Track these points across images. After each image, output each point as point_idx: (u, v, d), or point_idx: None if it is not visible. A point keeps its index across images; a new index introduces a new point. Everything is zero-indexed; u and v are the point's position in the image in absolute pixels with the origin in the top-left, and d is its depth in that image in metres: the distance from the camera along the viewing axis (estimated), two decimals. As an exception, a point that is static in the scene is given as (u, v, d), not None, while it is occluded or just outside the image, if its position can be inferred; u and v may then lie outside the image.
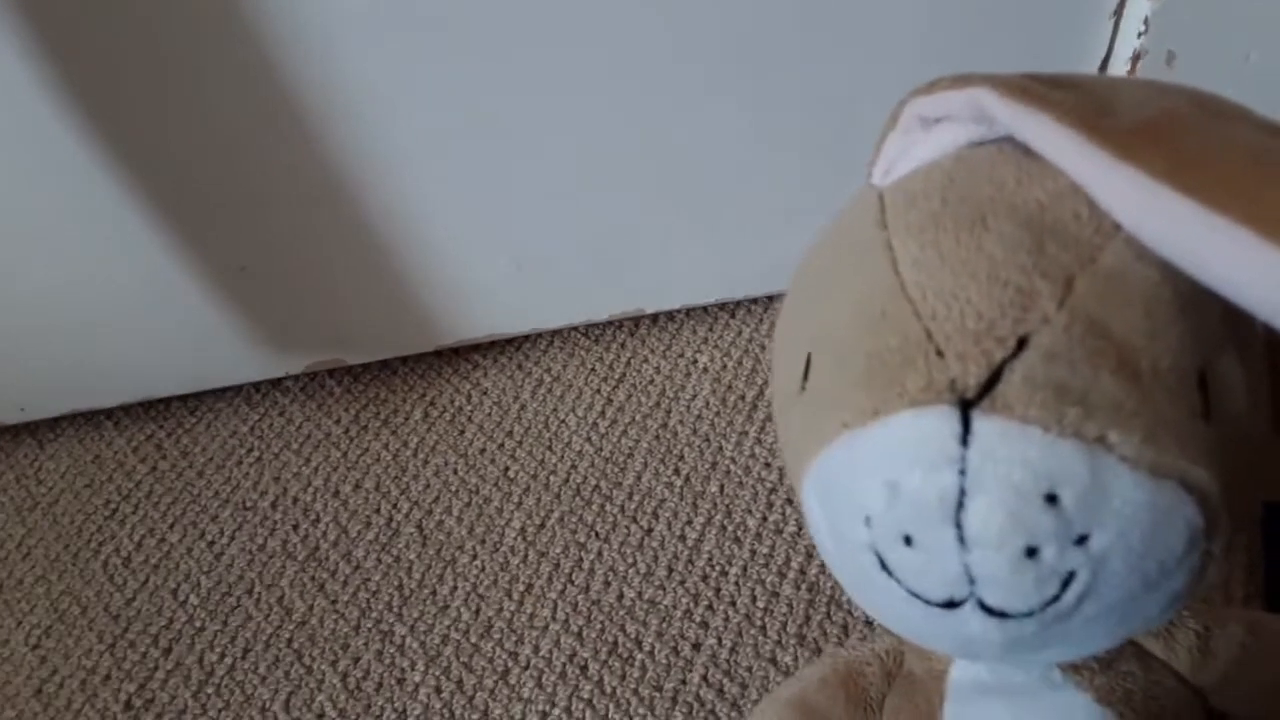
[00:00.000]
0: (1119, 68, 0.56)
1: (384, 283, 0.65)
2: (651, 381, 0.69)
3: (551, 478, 0.64)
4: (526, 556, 0.61)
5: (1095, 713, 0.31)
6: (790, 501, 0.61)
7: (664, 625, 0.56)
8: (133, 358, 0.67)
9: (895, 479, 0.23)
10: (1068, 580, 0.23)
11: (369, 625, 0.59)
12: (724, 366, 0.69)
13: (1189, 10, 0.53)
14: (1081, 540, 0.22)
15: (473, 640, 0.57)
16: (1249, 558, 0.51)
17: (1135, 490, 0.22)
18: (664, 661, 0.55)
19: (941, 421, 0.22)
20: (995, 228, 0.24)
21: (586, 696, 0.54)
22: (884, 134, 0.29)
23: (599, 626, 0.57)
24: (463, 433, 0.68)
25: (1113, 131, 0.23)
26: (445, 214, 0.61)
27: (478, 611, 0.59)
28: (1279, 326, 0.22)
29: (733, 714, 0.53)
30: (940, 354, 0.23)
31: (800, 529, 0.59)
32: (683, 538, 0.60)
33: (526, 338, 0.72)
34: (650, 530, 0.61)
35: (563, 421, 0.67)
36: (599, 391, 0.69)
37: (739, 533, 0.60)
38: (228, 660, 0.58)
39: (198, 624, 0.60)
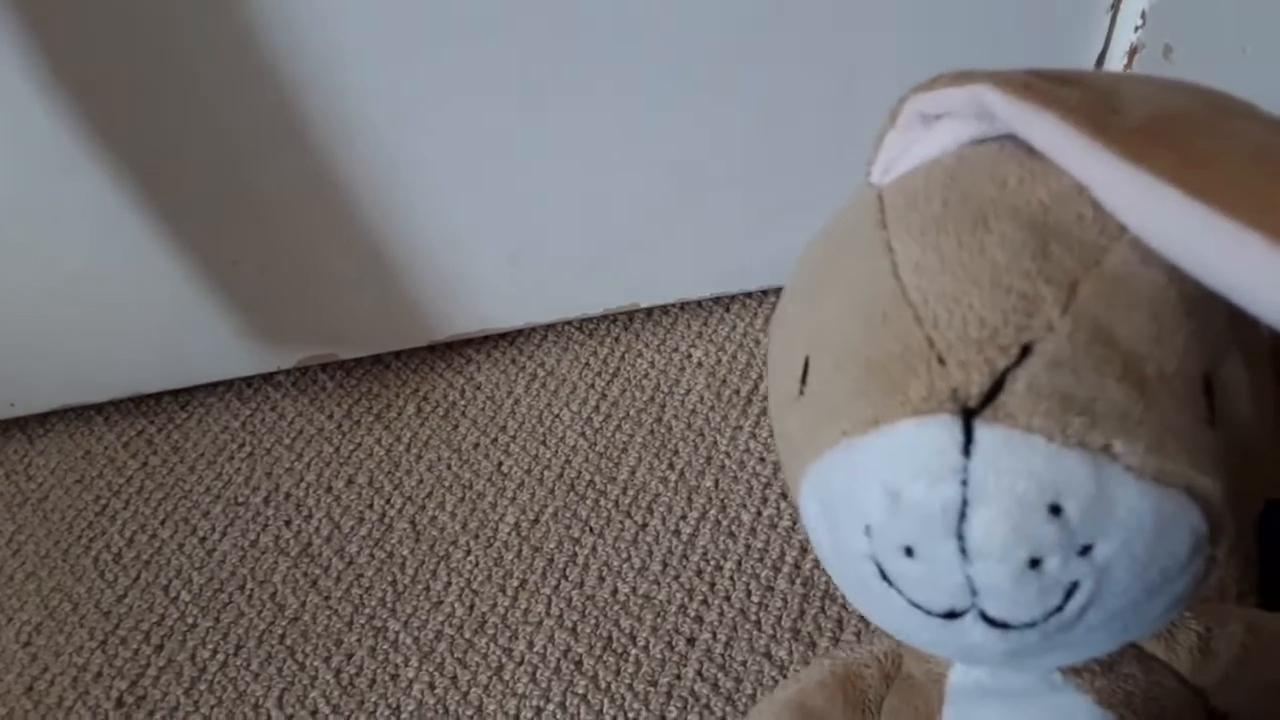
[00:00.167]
0: (1116, 61, 0.56)
1: (376, 277, 0.64)
2: (646, 376, 0.68)
3: (545, 472, 0.64)
4: (520, 551, 0.60)
5: (1096, 715, 0.31)
6: (785, 496, 0.60)
7: (658, 620, 0.56)
8: (123, 353, 0.66)
9: (896, 489, 0.23)
10: (1071, 590, 0.22)
11: (362, 621, 0.58)
12: (718, 361, 0.68)
13: (1186, 4, 0.53)
14: (1085, 550, 0.22)
15: (467, 636, 0.57)
16: (1242, 554, 0.51)
17: (1140, 499, 0.22)
18: (658, 656, 0.55)
19: (943, 431, 0.22)
20: (997, 229, 0.24)
21: (581, 691, 0.54)
22: (883, 132, 0.29)
23: (593, 621, 0.57)
24: (456, 427, 0.67)
25: (1118, 131, 0.22)
26: (438, 208, 0.61)
27: (471, 607, 0.58)
28: None
29: (727, 708, 0.52)
30: (942, 362, 0.22)
31: (794, 524, 0.59)
32: (677, 532, 0.60)
33: (520, 332, 0.72)
34: (645, 525, 0.60)
35: (557, 416, 0.67)
36: (593, 386, 0.68)
37: (733, 527, 0.59)
38: (220, 657, 0.58)
39: (190, 620, 0.60)
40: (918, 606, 0.24)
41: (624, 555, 0.59)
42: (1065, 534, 0.21)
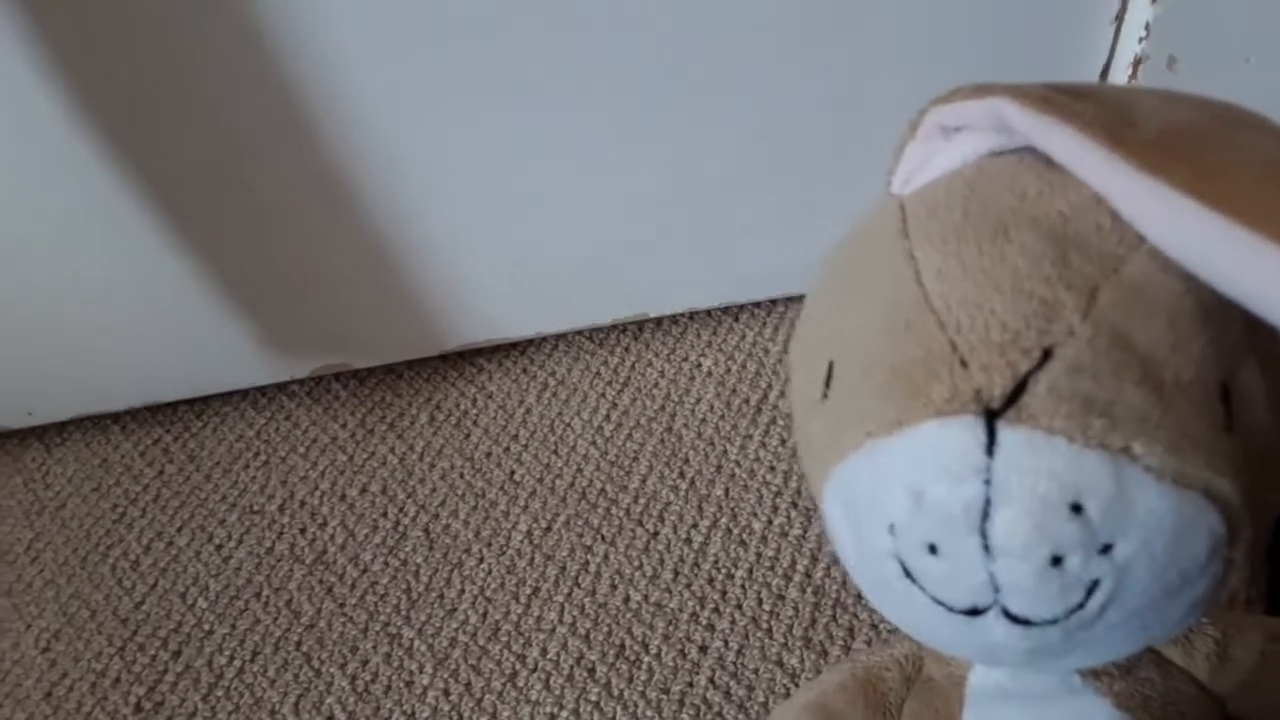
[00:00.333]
0: (1120, 72, 0.57)
1: (389, 287, 0.65)
2: (656, 385, 0.69)
3: (557, 481, 0.64)
4: (533, 560, 0.61)
5: (1115, 718, 0.31)
6: (795, 505, 0.61)
7: (670, 628, 0.57)
8: (139, 362, 0.67)
9: (920, 488, 0.23)
10: (1091, 588, 0.23)
11: (377, 628, 0.59)
12: (728, 370, 0.69)
13: (1190, 15, 0.53)
14: (1106, 549, 0.22)
15: (480, 643, 0.58)
16: (1253, 561, 0.51)
17: (1159, 500, 0.22)
18: (671, 664, 0.55)
19: (967, 431, 0.22)
20: (1018, 239, 0.24)
21: (594, 699, 0.54)
22: (903, 143, 0.29)
23: (606, 629, 0.57)
24: (468, 436, 0.68)
25: (1135, 143, 0.23)
26: (450, 218, 0.61)
27: (485, 615, 0.59)
28: None
29: (740, 716, 0.53)
30: (965, 365, 0.23)
31: (805, 532, 0.59)
32: (688, 541, 0.60)
33: (531, 342, 0.73)
34: (656, 534, 0.61)
35: (568, 425, 0.67)
36: (604, 395, 0.69)
37: (744, 536, 0.60)
38: (236, 663, 0.58)
39: (206, 627, 0.60)
40: (941, 604, 0.25)
41: (636, 563, 0.60)
42: (1086, 532, 0.22)
